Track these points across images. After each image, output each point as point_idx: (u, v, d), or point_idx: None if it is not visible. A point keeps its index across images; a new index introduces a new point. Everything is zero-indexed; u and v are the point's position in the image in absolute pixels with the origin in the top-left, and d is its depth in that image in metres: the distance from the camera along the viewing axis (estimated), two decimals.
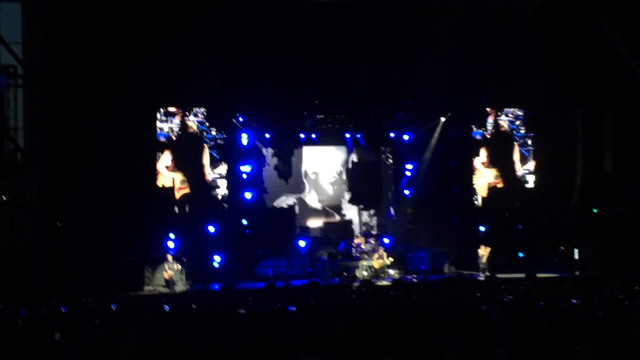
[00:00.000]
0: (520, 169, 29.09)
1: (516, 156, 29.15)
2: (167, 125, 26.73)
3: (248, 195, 27.39)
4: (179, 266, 23.73)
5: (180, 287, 23.56)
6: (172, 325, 9.66)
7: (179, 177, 26.48)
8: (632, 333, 7.50)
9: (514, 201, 28.40)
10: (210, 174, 27.09)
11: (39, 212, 21.31)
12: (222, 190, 27.29)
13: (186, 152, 26.72)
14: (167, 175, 26.37)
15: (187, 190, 26.59)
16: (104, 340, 8.74)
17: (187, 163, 26.64)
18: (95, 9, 22.20)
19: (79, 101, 22.76)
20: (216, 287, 22.68)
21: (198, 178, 26.74)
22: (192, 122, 26.94)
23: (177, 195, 26.49)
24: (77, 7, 22.12)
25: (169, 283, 23.13)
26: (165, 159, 26.37)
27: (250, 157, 27.89)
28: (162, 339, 9.00)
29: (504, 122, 29.21)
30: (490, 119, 29.07)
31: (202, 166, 26.87)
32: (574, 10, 23.04)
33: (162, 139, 26.42)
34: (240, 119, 27.19)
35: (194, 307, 13.51)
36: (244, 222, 26.96)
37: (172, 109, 26.64)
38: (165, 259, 23.59)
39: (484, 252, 25.52)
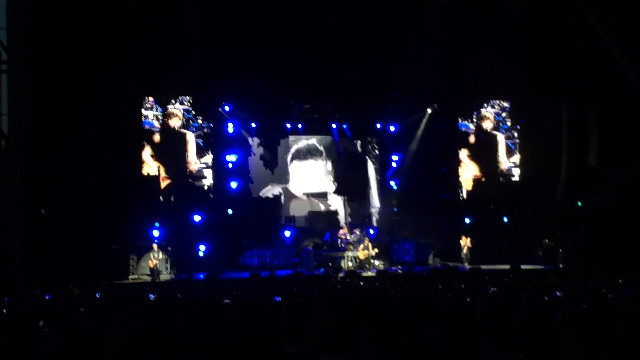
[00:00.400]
0: (506, 162, 29.20)
1: (502, 149, 29.27)
2: (152, 113, 26.70)
3: (234, 184, 27.39)
4: (164, 255, 23.70)
5: (165, 276, 23.55)
6: (156, 315, 9.64)
7: (163, 166, 26.52)
8: (615, 326, 7.54)
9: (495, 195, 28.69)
10: (196, 163, 27.03)
11: (22, 198, 21.15)
12: (208, 180, 27.24)
13: (166, 146, 26.79)
14: (152, 164, 26.35)
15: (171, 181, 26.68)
16: (87, 329, 8.71)
17: (168, 157, 26.75)
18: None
19: (63, 88, 22.63)
20: (201, 276, 22.65)
21: (179, 171, 26.80)
22: (178, 110, 26.87)
23: (162, 184, 26.50)
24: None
25: (154, 272, 23.08)
26: (149, 148, 26.39)
27: (236, 146, 27.86)
28: (146, 328, 8.98)
29: (489, 113, 29.30)
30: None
31: (184, 160, 26.92)
32: (560, 4, 23.09)
33: (147, 127, 26.43)
34: (227, 108, 27.13)
35: (179, 296, 13.47)
36: (230, 211, 26.91)
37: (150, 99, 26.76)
38: (150, 248, 23.54)
39: (465, 242, 25.62)
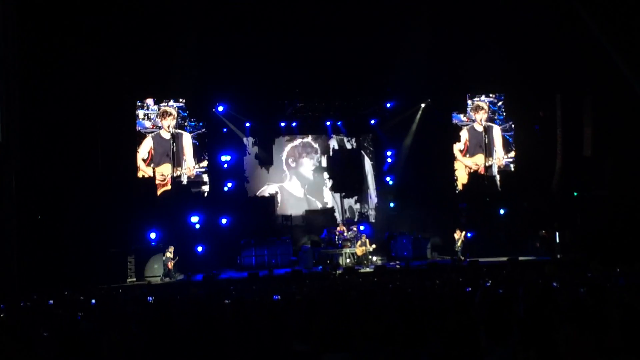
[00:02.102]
0: (503, 157, 29.08)
1: (498, 143, 29.20)
2: (143, 112, 26.45)
3: (229, 185, 27.36)
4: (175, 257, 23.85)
5: (179, 276, 23.71)
6: (155, 317, 9.64)
7: (158, 171, 26.31)
8: (613, 315, 7.56)
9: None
10: (194, 167, 26.85)
11: (18, 205, 21.14)
12: (207, 186, 27.08)
13: (161, 149, 26.55)
14: (145, 169, 26.14)
15: (167, 187, 26.39)
16: (87, 333, 8.71)
17: (163, 161, 26.50)
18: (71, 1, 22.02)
19: (56, 94, 22.59)
20: (199, 277, 22.67)
21: (175, 177, 26.55)
22: (172, 109, 26.69)
23: (158, 191, 26.28)
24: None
25: (170, 273, 23.36)
26: (142, 152, 26.15)
27: (231, 146, 27.83)
28: (145, 331, 8.98)
29: (484, 103, 29.22)
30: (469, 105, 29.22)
31: (181, 164, 26.71)
32: None
33: (138, 128, 26.23)
34: (220, 108, 27.06)
35: (178, 298, 13.49)
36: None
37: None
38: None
39: (458, 236, 25.50)
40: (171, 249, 23.76)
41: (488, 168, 29.06)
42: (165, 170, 26.52)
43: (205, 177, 27.13)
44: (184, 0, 22.96)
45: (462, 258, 24.75)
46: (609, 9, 19.66)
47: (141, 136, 26.35)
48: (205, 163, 27.02)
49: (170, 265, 23.50)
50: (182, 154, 26.84)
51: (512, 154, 29.08)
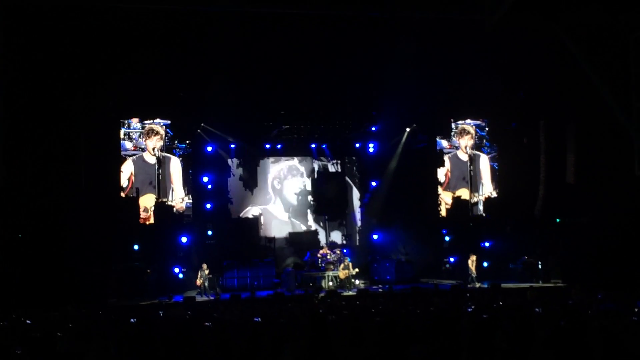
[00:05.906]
0: (490, 192, 29.02)
1: (486, 174, 29.17)
2: (123, 131, 25.60)
3: (207, 205, 27.12)
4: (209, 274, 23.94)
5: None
6: (136, 338, 9.54)
7: (140, 204, 25.60)
8: (594, 342, 7.57)
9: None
10: (182, 199, 26.51)
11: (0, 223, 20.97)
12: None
13: (144, 175, 25.87)
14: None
15: (150, 221, 25.70)
16: (67, 354, 8.61)
17: (147, 188, 25.93)
18: (56, 20, 21.94)
19: (39, 113, 22.50)
20: (179, 298, 22.54)
21: (162, 208, 25.80)
22: (160, 127, 26.24)
23: (142, 220, 25.64)
24: (36, 19, 21.82)
25: (202, 289, 23.58)
26: (121, 178, 25.43)
27: (215, 167, 27.72)
28: (126, 352, 8.89)
29: (470, 127, 29.25)
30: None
31: (168, 193, 26.29)
32: (535, 24, 23.33)
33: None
34: (205, 129, 26.97)
35: (159, 319, 13.37)
36: (209, 233, 26.71)
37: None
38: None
39: (472, 261, 25.30)
40: (204, 266, 23.88)
41: (474, 205, 28.96)
42: (148, 202, 25.63)
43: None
44: (171, 21, 22.92)
45: (478, 284, 24.43)
46: (592, 37, 19.86)
47: (121, 159, 25.36)
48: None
49: (199, 282, 23.75)
50: (169, 182, 26.18)
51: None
